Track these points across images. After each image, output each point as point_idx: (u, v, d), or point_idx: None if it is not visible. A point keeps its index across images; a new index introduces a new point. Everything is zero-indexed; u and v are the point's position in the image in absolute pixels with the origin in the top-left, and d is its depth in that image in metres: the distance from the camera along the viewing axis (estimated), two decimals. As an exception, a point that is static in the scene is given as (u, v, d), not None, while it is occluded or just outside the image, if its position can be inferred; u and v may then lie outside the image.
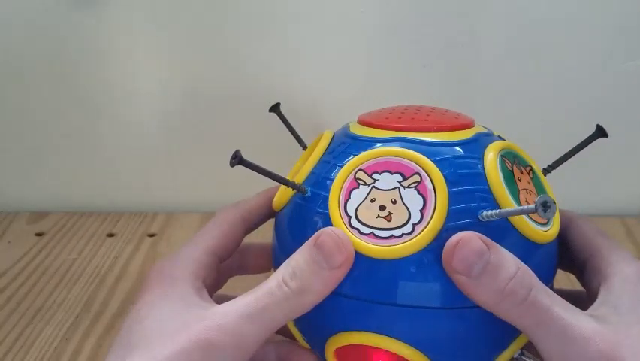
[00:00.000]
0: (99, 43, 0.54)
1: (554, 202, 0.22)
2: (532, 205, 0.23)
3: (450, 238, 0.25)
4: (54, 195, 0.60)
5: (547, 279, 0.29)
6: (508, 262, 0.25)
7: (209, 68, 0.55)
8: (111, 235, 0.54)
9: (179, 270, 0.29)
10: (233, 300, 0.26)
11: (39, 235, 0.54)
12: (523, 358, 0.28)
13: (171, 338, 0.24)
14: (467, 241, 0.24)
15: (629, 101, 0.54)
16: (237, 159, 0.26)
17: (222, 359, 0.24)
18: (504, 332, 0.26)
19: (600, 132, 0.31)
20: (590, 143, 0.31)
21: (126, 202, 0.60)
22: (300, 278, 0.25)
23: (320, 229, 0.26)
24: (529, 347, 0.26)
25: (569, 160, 0.32)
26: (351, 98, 0.54)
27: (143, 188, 0.60)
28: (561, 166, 0.32)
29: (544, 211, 0.22)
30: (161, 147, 0.58)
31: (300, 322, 0.30)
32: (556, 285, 0.31)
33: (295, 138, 0.36)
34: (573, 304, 0.25)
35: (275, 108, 0.36)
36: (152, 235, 0.54)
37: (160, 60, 0.55)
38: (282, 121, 0.36)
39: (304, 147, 0.36)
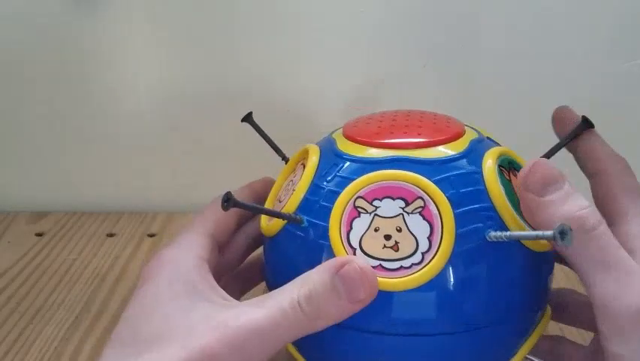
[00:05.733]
0: (99, 43, 0.54)
1: (570, 229, 0.22)
2: (550, 232, 0.22)
3: (527, 161, 0.25)
4: (54, 195, 0.60)
5: (545, 286, 0.29)
6: (581, 197, 0.25)
7: (209, 69, 0.55)
8: (111, 235, 0.54)
9: (181, 254, 0.29)
10: (242, 308, 0.25)
11: (39, 235, 0.54)
12: None
13: (178, 342, 0.24)
14: (544, 162, 0.25)
15: (629, 101, 0.54)
16: (231, 202, 0.24)
17: None
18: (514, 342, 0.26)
19: (586, 124, 0.31)
20: (577, 135, 0.31)
21: (126, 202, 0.60)
22: (316, 304, 0.25)
23: (324, 261, 0.25)
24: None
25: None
26: (350, 98, 0.54)
27: (143, 188, 0.60)
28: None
29: (562, 240, 0.22)
30: (161, 147, 0.58)
31: (302, 348, 0.29)
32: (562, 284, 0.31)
33: (273, 148, 0.34)
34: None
35: (247, 118, 0.34)
36: (152, 235, 0.54)
37: (160, 60, 0.55)
38: (257, 131, 0.34)
39: (283, 158, 0.34)
